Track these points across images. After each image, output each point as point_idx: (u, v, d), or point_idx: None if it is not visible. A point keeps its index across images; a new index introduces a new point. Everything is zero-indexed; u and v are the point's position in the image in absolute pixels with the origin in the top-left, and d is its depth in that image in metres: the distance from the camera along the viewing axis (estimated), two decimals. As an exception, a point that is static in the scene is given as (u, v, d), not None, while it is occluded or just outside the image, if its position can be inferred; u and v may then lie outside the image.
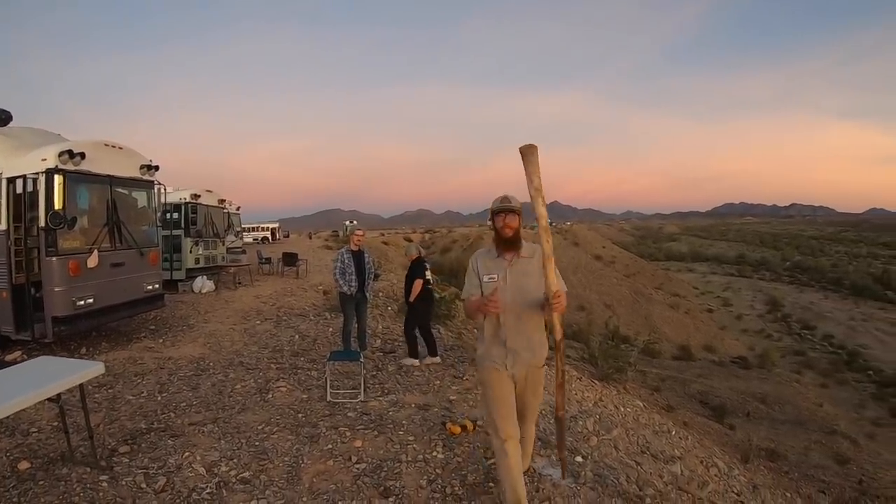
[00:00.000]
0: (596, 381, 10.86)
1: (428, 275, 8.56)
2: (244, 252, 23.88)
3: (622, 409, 8.47)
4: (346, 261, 8.53)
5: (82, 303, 8.53)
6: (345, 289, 8.47)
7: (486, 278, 3.78)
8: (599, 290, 75.91)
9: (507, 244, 3.80)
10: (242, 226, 29.74)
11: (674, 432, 8.37)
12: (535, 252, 3.82)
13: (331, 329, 10.73)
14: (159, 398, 6.60)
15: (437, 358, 8.58)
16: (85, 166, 8.64)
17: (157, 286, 10.43)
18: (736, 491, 6.65)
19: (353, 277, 8.47)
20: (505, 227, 3.79)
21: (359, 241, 8.78)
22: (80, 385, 4.46)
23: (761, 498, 7.18)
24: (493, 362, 3.77)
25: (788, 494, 9.42)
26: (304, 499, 4.10)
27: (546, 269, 3.63)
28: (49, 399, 4.18)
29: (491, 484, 4.42)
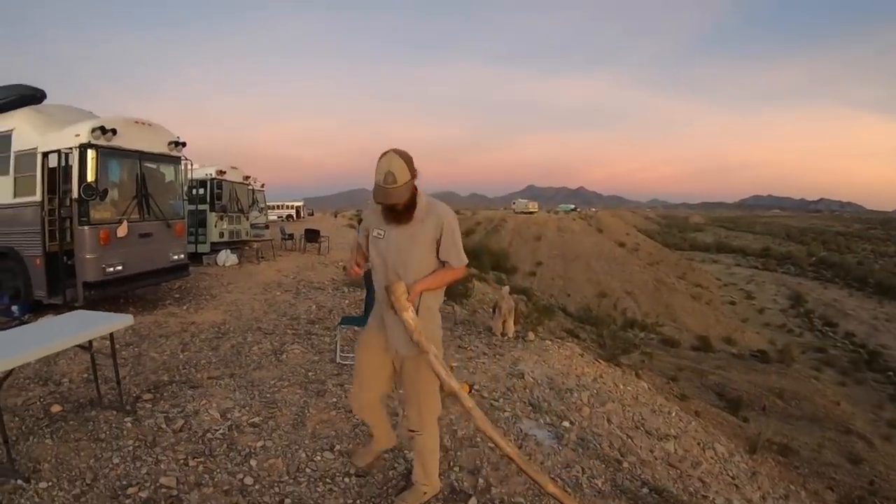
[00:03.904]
0: (601, 361, 11.12)
1: None
2: (267, 227, 24.30)
3: (622, 388, 8.64)
4: None
5: (111, 269, 9.03)
6: (368, 265, 8.80)
7: (374, 232, 3.35)
8: (621, 277, 75.32)
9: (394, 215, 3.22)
10: (268, 203, 30.18)
11: (674, 414, 8.49)
12: (431, 212, 3.22)
13: (347, 301, 11.10)
14: (181, 356, 7.06)
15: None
16: (116, 142, 9.10)
17: (182, 256, 10.90)
18: (732, 475, 6.78)
19: None
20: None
21: None
22: (111, 334, 4.91)
23: (758, 484, 7.25)
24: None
25: (793, 487, 9.51)
26: (307, 441, 4.50)
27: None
28: (80, 346, 4.64)
29: (479, 438, 4.78)
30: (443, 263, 3.32)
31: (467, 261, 3.42)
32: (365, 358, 3.57)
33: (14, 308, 9.24)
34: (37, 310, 9.36)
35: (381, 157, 3.00)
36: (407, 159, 3.01)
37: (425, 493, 3.68)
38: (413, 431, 3.53)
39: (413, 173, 3.04)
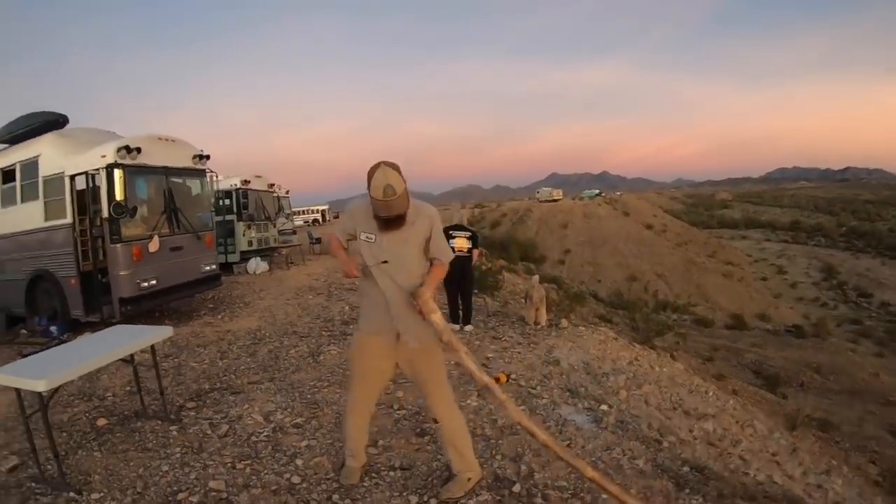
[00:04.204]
0: (635, 344, 11.11)
1: (454, 243, 8.53)
2: (295, 233, 24.48)
3: (658, 369, 8.64)
4: None
5: (146, 284, 9.18)
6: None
7: (364, 235, 3.42)
8: (651, 259, 74.66)
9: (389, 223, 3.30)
10: (293, 209, 30.43)
11: (711, 393, 8.51)
12: (420, 214, 3.39)
13: (379, 301, 11.14)
14: (220, 364, 7.19)
15: (469, 327, 8.84)
16: (141, 160, 9.22)
17: (213, 267, 11.04)
18: (772, 451, 6.78)
19: None
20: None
21: None
22: (152, 346, 5.04)
23: (799, 460, 7.24)
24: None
25: (835, 462, 9.45)
26: (350, 438, 4.59)
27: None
28: (123, 360, 4.76)
29: (518, 426, 4.85)
30: (429, 260, 3.49)
31: (452, 255, 3.65)
32: (370, 364, 3.63)
33: (53, 328, 9.45)
34: (75, 328, 9.53)
35: (373, 172, 3.11)
36: (397, 169, 3.13)
37: (469, 479, 3.71)
38: (439, 420, 3.64)
39: (405, 180, 3.15)
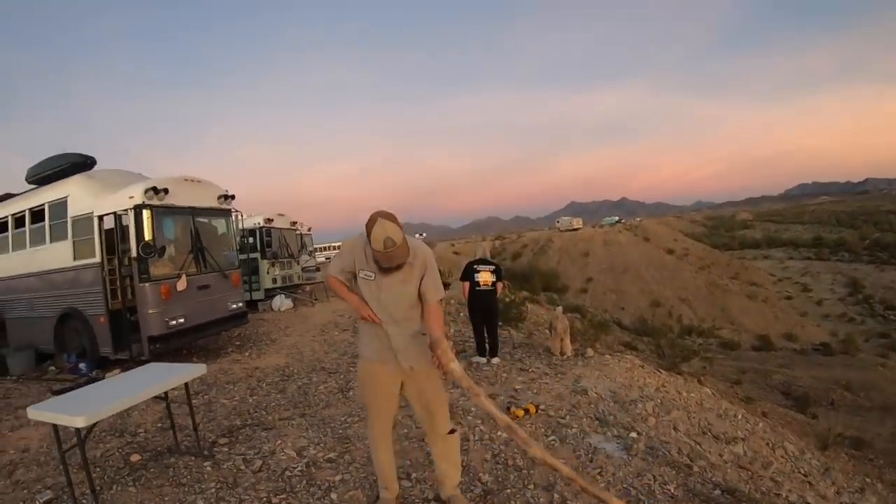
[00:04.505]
0: (662, 371, 11.06)
1: (479, 277, 8.75)
2: (318, 270, 24.63)
3: (685, 395, 8.59)
4: None
5: (174, 322, 9.27)
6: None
7: (362, 273, 3.55)
8: (673, 284, 74.24)
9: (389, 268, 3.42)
10: (315, 245, 30.66)
11: (740, 416, 8.42)
12: (416, 254, 3.50)
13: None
14: (251, 400, 7.26)
15: (497, 359, 8.83)
16: (168, 200, 9.38)
17: (240, 305, 11.14)
18: (804, 472, 6.73)
19: None
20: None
21: None
22: (186, 384, 5.11)
23: (832, 479, 7.17)
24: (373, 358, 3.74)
25: (869, 480, 9.34)
26: (383, 472, 4.62)
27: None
28: (157, 397, 4.85)
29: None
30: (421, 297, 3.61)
31: (444, 295, 3.73)
32: (378, 389, 3.74)
33: (82, 365, 9.62)
34: (103, 366, 9.67)
35: (372, 225, 3.25)
36: (394, 219, 3.28)
37: (457, 485, 3.99)
38: (452, 431, 3.83)
39: (401, 227, 3.29)
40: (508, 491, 4.25)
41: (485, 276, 8.79)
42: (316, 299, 18.47)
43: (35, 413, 4.02)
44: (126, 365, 9.39)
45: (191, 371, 5.12)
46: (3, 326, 11.49)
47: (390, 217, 3.26)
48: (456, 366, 3.37)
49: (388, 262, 3.30)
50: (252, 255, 17.67)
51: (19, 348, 10.64)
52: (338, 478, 4.59)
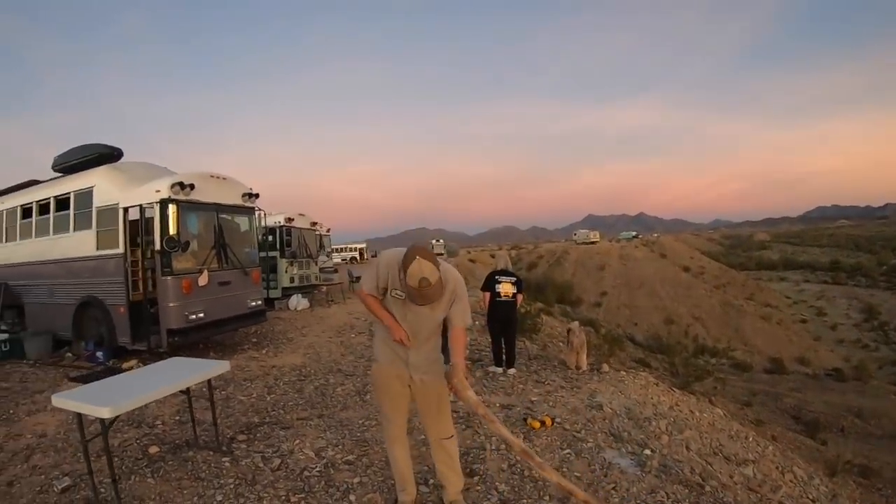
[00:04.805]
0: (675, 390, 11.04)
1: (500, 288, 8.80)
2: (336, 271, 24.68)
3: (698, 415, 8.58)
4: None
5: (194, 317, 9.37)
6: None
7: (394, 292, 3.61)
8: (688, 302, 73.75)
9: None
10: (332, 247, 30.79)
11: (751, 439, 8.40)
12: (447, 281, 3.55)
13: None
14: (268, 398, 7.31)
15: (513, 370, 8.84)
16: (194, 196, 9.49)
17: (259, 302, 11.23)
18: (812, 497, 6.68)
19: None
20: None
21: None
22: (209, 380, 5.17)
23: None
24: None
25: None
26: (400, 476, 4.66)
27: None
28: (181, 391, 4.91)
29: (565, 469, 4.91)
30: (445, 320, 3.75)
31: (470, 322, 3.85)
32: (391, 390, 3.85)
33: (99, 354, 9.70)
34: (119, 355, 9.80)
35: (409, 262, 3.28)
36: (432, 258, 3.33)
37: (461, 490, 4.10)
38: (450, 437, 3.94)
39: (438, 266, 3.35)
40: (524, 501, 4.28)
41: (506, 288, 8.82)
42: (332, 300, 18.55)
43: (59, 401, 4.08)
44: (143, 356, 9.52)
45: (215, 368, 5.17)
46: (21, 311, 11.62)
47: (428, 256, 3.31)
48: (472, 394, 3.54)
49: (422, 301, 3.37)
50: (271, 254, 17.75)
51: (37, 333, 10.74)
52: (356, 480, 4.64)
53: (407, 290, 3.37)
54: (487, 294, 8.92)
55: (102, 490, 4.34)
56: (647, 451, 5.55)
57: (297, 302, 16.83)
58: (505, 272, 9.02)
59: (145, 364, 6.25)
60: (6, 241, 12.12)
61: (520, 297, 9.01)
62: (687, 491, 4.70)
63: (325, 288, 20.53)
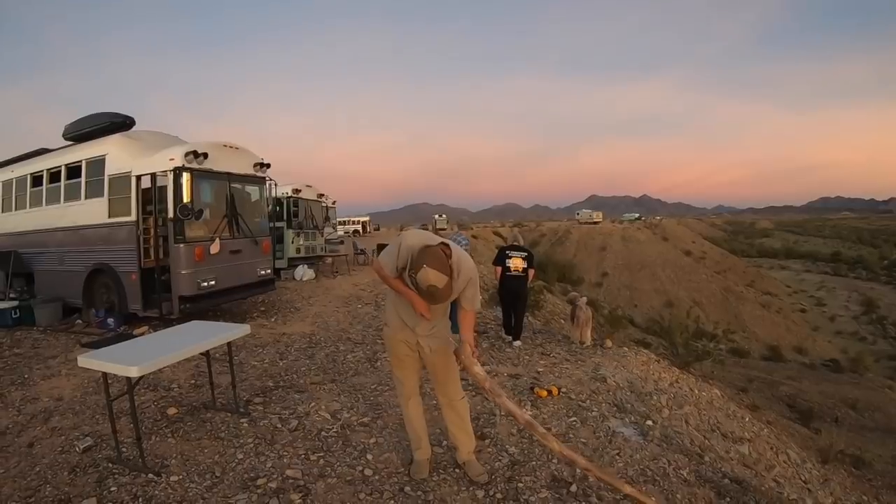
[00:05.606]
0: (675, 368, 11.19)
1: (510, 263, 8.98)
2: (342, 243, 24.74)
3: (697, 393, 8.70)
4: None
5: (205, 284, 9.51)
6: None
7: (410, 273, 3.60)
8: (688, 286, 73.84)
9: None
10: (338, 219, 30.87)
11: (747, 419, 8.56)
12: (461, 270, 3.71)
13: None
14: (281, 364, 7.48)
15: (518, 342, 9.02)
16: (207, 165, 9.58)
17: (268, 271, 11.37)
18: (804, 479, 6.84)
19: None
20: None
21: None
22: (228, 343, 5.31)
23: (830, 490, 7.26)
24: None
25: (865, 497, 9.43)
26: (414, 438, 4.82)
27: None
28: (201, 354, 5.06)
29: (571, 435, 5.10)
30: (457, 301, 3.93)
31: (479, 307, 4.05)
32: (402, 351, 4.06)
33: (109, 320, 9.82)
34: (130, 322, 9.94)
35: (419, 268, 3.43)
36: (440, 264, 3.43)
37: (473, 452, 4.32)
38: (460, 399, 4.14)
39: (447, 270, 3.47)
40: (533, 463, 4.46)
41: (516, 262, 8.99)
42: (337, 272, 18.69)
43: (86, 361, 4.18)
44: (153, 323, 9.66)
45: (236, 331, 5.32)
46: (31, 278, 11.71)
47: (437, 264, 3.42)
48: (479, 369, 3.73)
49: (430, 301, 3.60)
50: (278, 224, 17.85)
51: (47, 300, 10.80)
52: (372, 440, 4.83)
53: (416, 288, 3.55)
54: (499, 268, 9.10)
55: (124, 449, 4.49)
56: (649, 422, 5.72)
57: (303, 272, 16.94)
58: (516, 247, 9.17)
59: (156, 331, 6.38)
60: (16, 210, 12.15)
61: (531, 273, 9.16)
62: (687, 459, 4.87)
63: (330, 259, 20.65)
